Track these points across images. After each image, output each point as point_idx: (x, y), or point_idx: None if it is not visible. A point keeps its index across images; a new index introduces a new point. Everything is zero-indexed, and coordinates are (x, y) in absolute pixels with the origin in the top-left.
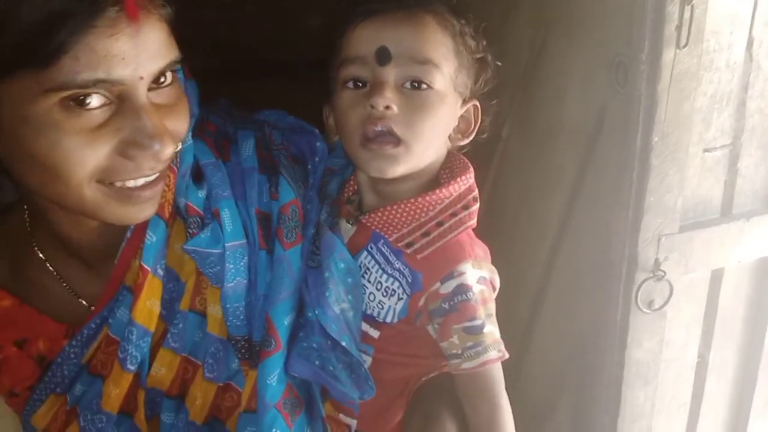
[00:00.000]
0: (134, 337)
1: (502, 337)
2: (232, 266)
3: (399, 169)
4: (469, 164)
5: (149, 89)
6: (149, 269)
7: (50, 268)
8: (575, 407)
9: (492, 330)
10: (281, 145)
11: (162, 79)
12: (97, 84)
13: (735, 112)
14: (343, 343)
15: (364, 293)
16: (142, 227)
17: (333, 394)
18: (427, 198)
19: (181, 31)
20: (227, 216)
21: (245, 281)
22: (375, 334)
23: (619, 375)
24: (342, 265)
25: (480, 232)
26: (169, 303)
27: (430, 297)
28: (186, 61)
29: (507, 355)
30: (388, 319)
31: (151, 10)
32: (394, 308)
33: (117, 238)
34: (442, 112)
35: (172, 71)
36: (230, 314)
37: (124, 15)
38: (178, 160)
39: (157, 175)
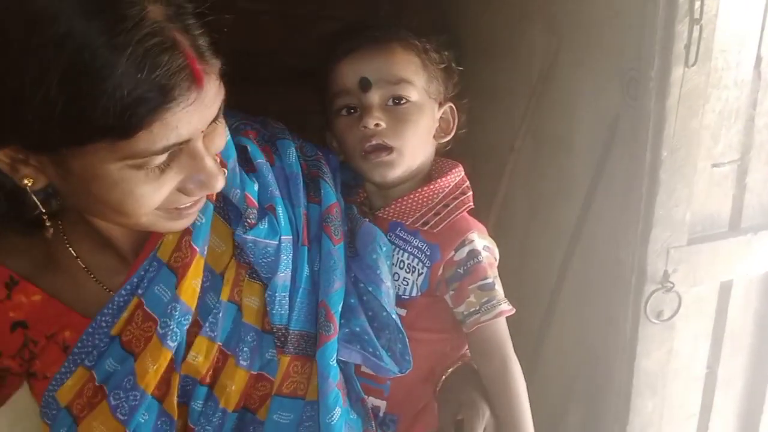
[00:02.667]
0: (177, 314)
1: (514, 343)
2: (285, 257)
3: (397, 172)
4: (457, 162)
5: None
6: (198, 249)
7: (80, 263)
8: (586, 416)
9: (499, 288)
10: (315, 156)
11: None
12: (164, 150)
13: (743, 129)
14: (393, 316)
15: (394, 279)
16: None
17: (376, 371)
18: (431, 187)
19: None
20: (281, 212)
21: (290, 273)
22: (402, 312)
23: (628, 385)
24: (384, 248)
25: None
26: (202, 294)
27: (447, 265)
28: None
29: (515, 309)
30: (413, 294)
31: (210, 72)
32: (416, 282)
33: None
34: (422, 119)
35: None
36: (276, 303)
37: (193, 86)
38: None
39: (203, 201)
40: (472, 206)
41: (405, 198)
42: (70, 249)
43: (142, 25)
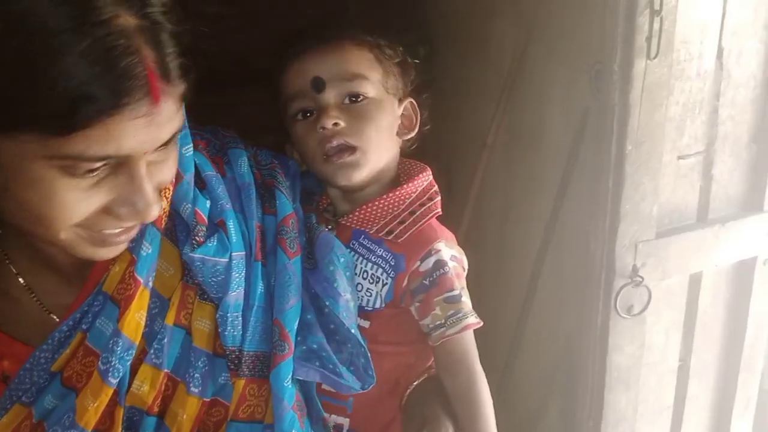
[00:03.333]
0: (119, 349)
1: (491, 342)
2: (236, 275)
3: (363, 172)
4: (425, 165)
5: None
6: (141, 281)
7: (22, 281)
8: (564, 411)
9: (467, 300)
10: (271, 164)
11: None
12: (103, 159)
13: (707, 120)
14: (353, 331)
15: (356, 289)
16: None
17: (338, 389)
18: (396, 193)
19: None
20: (232, 227)
21: (243, 291)
22: (366, 324)
23: (601, 380)
24: (342, 260)
25: (467, 238)
26: (150, 320)
27: (412, 276)
28: None
29: (482, 322)
30: (377, 305)
31: (170, 93)
32: (380, 293)
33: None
34: (383, 115)
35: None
36: (229, 324)
37: (147, 99)
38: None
39: (135, 228)
40: (440, 213)
41: (369, 205)
42: (11, 266)
43: (111, 24)
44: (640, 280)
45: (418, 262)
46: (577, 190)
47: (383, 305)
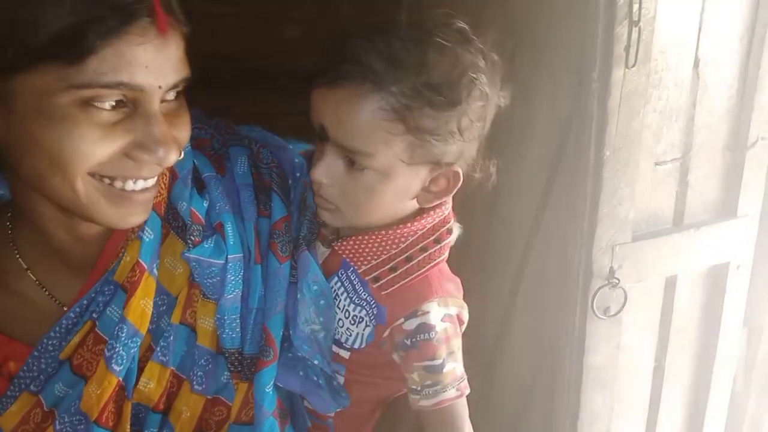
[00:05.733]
0: (124, 335)
1: (473, 342)
2: (232, 278)
3: (339, 225)
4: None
5: (162, 101)
6: (146, 266)
7: (31, 276)
8: (544, 412)
9: (453, 368)
10: (271, 162)
11: (172, 94)
12: (118, 87)
13: (684, 128)
14: (315, 362)
15: (334, 318)
16: None
17: (314, 404)
18: (398, 231)
19: None
20: (230, 229)
21: (240, 294)
22: (345, 354)
23: (578, 380)
24: (315, 288)
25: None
26: (156, 317)
27: (394, 330)
28: None
29: (467, 391)
30: (356, 346)
31: (176, 27)
32: (362, 334)
33: (103, 245)
34: (383, 188)
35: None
36: (227, 326)
37: (153, 27)
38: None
39: (153, 181)
40: (443, 260)
41: (367, 236)
42: (21, 261)
43: None
44: (617, 281)
45: (402, 319)
46: (558, 194)
47: (363, 345)
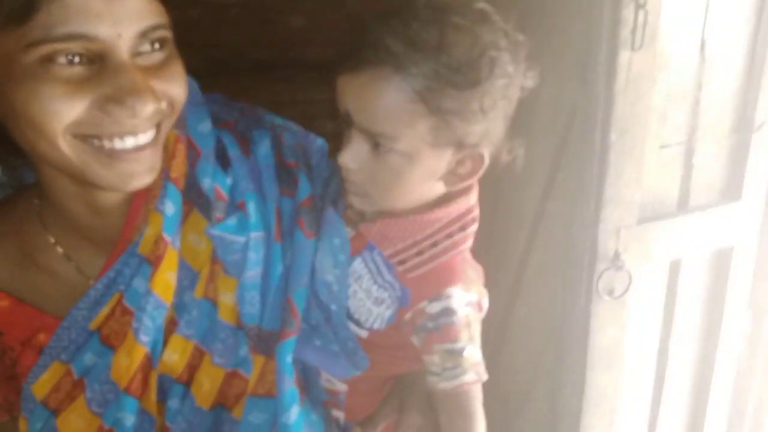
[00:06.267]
0: (150, 307)
1: (481, 323)
2: (253, 255)
3: (369, 209)
4: (472, 185)
5: (138, 54)
6: (168, 239)
7: (59, 250)
8: (550, 391)
9: (472, 353)
10: (295, 144)
11: (154, 46)
12: (72, 39)
13: (689, 110)
14: (333, 307)
15: (355, 297)
16: (147, 189)
17: (334, 373)
18: (425, 217)
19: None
20: (252, 208)
21: (261, 271)
22: (364, 334)
23: (583, 359)
24: (336, 241)
25: None
26: (180, 292)
27: (417, 313)
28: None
29: (485, 378)
30: (375, 326)
31: None
32: (383, 316)
33: (123, 217)
34: (409, 171)
35: (163, 40)
36: (247, 302)
37: None
38: (190, 138)
39: (148, 140)
40: (468, 246)
41: (394, 220)
42: (49, 236)
43: None
44: (622, 264)
45: (426, 302)
46: (565, 178)
47: (383, 326)
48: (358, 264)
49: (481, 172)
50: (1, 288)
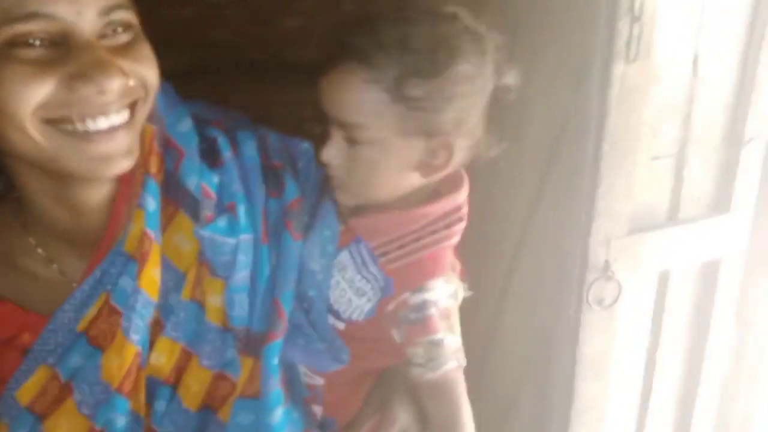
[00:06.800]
0: (138, 305)
1: (467, 331)
2: (243, 257)
3: (351, 202)
4: (462, 182)
5: (102, 36)
6: (152, 235)
7: (41, 252)
8: (536, 399)
9: (452, 341)
10: (281, 146)
11: (117, 30)
12: (33, 18)
13: (681, 123)
14: (311, 293)
15: (337, 288)
16: (128, 181)
17: (316, 366)
18: (412, 212)
19: (159, 30)
20: (242, 210)
21: (249, 273)
22: (341, 326)
23: (572, 369)
24: (327, 233)
25: None
26: (165, 294)
27: (399, 304)
28: (164, 60)
29: (465, 363)
30: (353, 317)
31: None
32: (362, 308)
33: (105, 219)
34: (383, 161)
35: (127, 24)
36: (236, 305)
37: None
38: (170, 138)
39: (122, 120)
40: (452, 243)
41: (381, 215)
42: (30, 239)
43: None
44: (612, 274)
45: (408, 294)
46: (555, 187)
47: (362, 318)
48: (344, 255)
49: (451, 163)
50: None
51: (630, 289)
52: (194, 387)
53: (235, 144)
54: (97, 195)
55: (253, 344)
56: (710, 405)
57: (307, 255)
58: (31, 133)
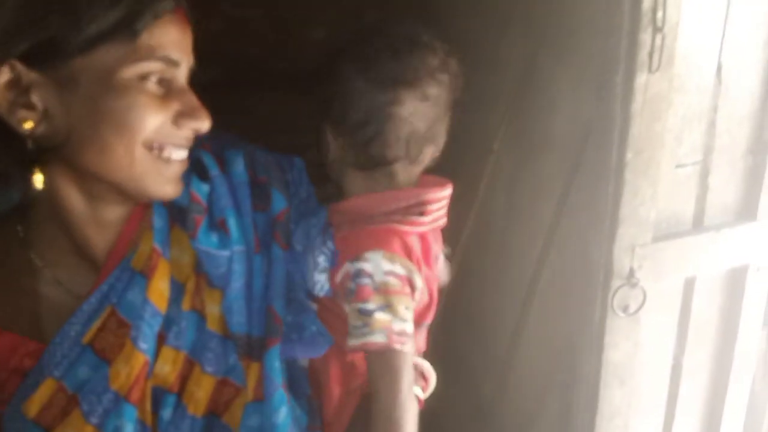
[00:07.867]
0: (147, 315)
1: (492, 341)
2: (238, 268)
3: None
4: (441, 185)
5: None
6: (160, 250)
7: (47, 272)
8: (561, 406)
9: (385, 318)
10: (266, 161)
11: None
12: (165, 60)
13: (705, 132)
14: (292, 267)
15: (308, 268)
16: (141, 208)
17: (311, 354)
18: (372, 196)
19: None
20: (233, 224)
21: (245, 282)
22: (313, 306)
23: (597, 375)
24: (314, 220)
25: (471, 241)
26: (167, 304)
27: (344, 276)
28: (193, 73)
29: (397, 347)
30: (316, 291)
31: (188, 23)
32: (322, 283)
33: (114, 236)
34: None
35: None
36: (235, 312)
37: (176, 16)
38: None
39: (186, 153)
40: (406, 231)
41: (343, 202)
42: (36, 260)
43: None
44: (637, 281)
45: (348, 263)
46: (579, 195)
47: (322, 294)
48: (317, 238)
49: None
50: None
51: (655, 296)
52: (198, 393)
53: (222, 162)
54: (122, 213)
55: (255, 349)
56: (738, 413)
57: (295, 239)
58: (135, 152)
